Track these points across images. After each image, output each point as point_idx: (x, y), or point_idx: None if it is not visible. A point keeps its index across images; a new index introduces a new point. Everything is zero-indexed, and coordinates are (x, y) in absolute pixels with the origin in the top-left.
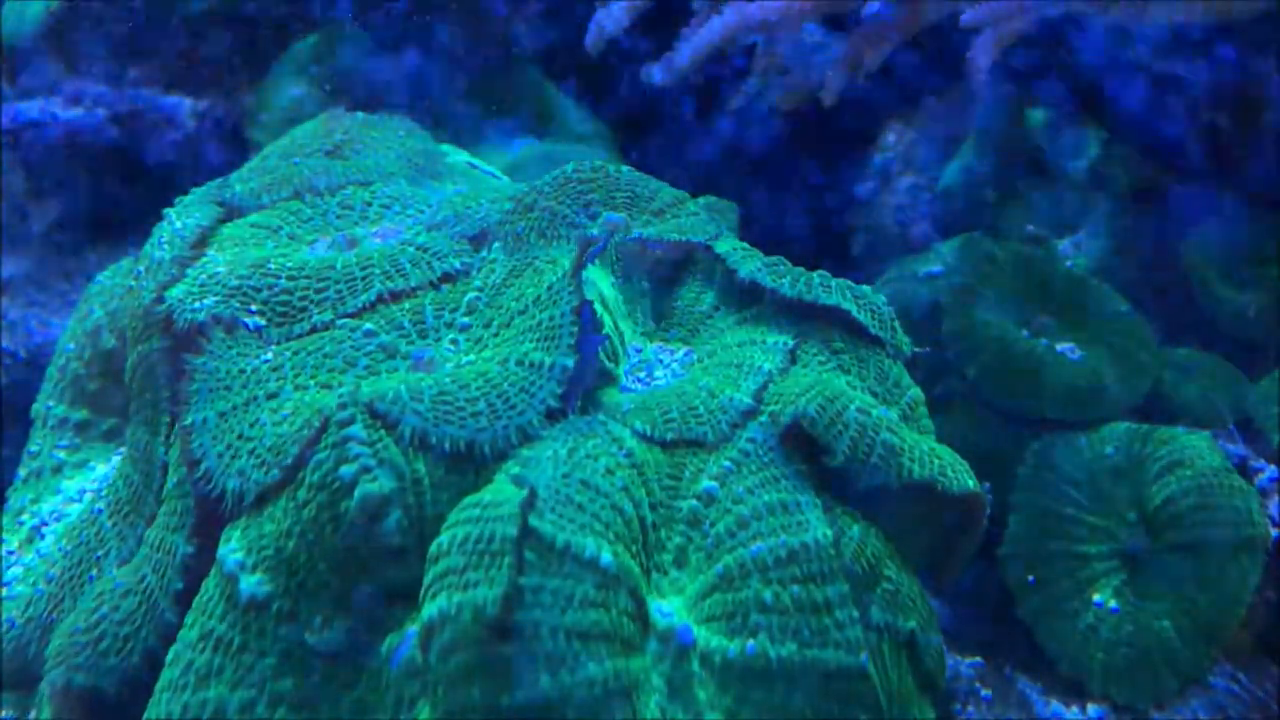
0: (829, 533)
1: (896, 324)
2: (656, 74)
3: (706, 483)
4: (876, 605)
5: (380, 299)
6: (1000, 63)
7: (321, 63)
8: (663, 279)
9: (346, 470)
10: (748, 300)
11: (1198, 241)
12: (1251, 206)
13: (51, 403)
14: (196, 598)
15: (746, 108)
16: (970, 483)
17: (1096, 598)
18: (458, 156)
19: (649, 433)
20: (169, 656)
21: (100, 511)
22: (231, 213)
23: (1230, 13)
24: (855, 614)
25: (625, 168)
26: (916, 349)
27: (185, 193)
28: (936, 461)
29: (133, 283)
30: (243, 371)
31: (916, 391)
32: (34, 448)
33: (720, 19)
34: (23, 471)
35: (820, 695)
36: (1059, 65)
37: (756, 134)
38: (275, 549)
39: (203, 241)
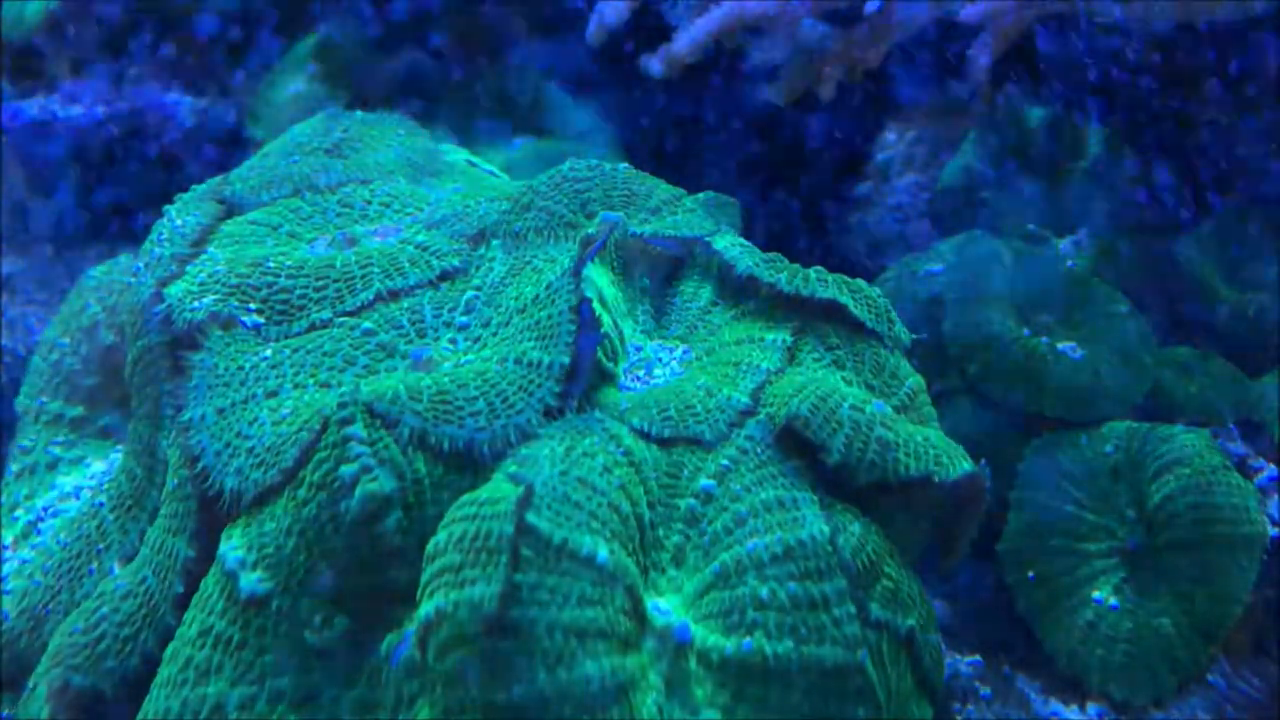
0: (825, 529)
1: (894, 315)
2: (654, 66)
3: (704, 481)
4: (876, 602)
5: (379, 297)
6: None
7: (321, 61)
8: (662, 276)
9: (347, 470)
10: (745, 296)
11: (1197, 241)
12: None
13: (45, 398)
14: (196, 595)
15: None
16: (966, 465)
17: (1095, 595)
18: (457, 155)
19: (646, 430)
20: (166, 654)
21: (102, 505)
22: (232, 210)
23: (1230, 11)
24: (853, 610)
25: (622, 165)
26: (915, 335)
27: (185, 190)
28: (931, 451)
29: (131, 279)
30: (241, 369)
31: (916, 380)
32: (26, 443)
33: (719, 9)
34: (15, 467)
35: (818, 692)
36: (1060, 63)
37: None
38: (275, 547)
39: (203, 239)
